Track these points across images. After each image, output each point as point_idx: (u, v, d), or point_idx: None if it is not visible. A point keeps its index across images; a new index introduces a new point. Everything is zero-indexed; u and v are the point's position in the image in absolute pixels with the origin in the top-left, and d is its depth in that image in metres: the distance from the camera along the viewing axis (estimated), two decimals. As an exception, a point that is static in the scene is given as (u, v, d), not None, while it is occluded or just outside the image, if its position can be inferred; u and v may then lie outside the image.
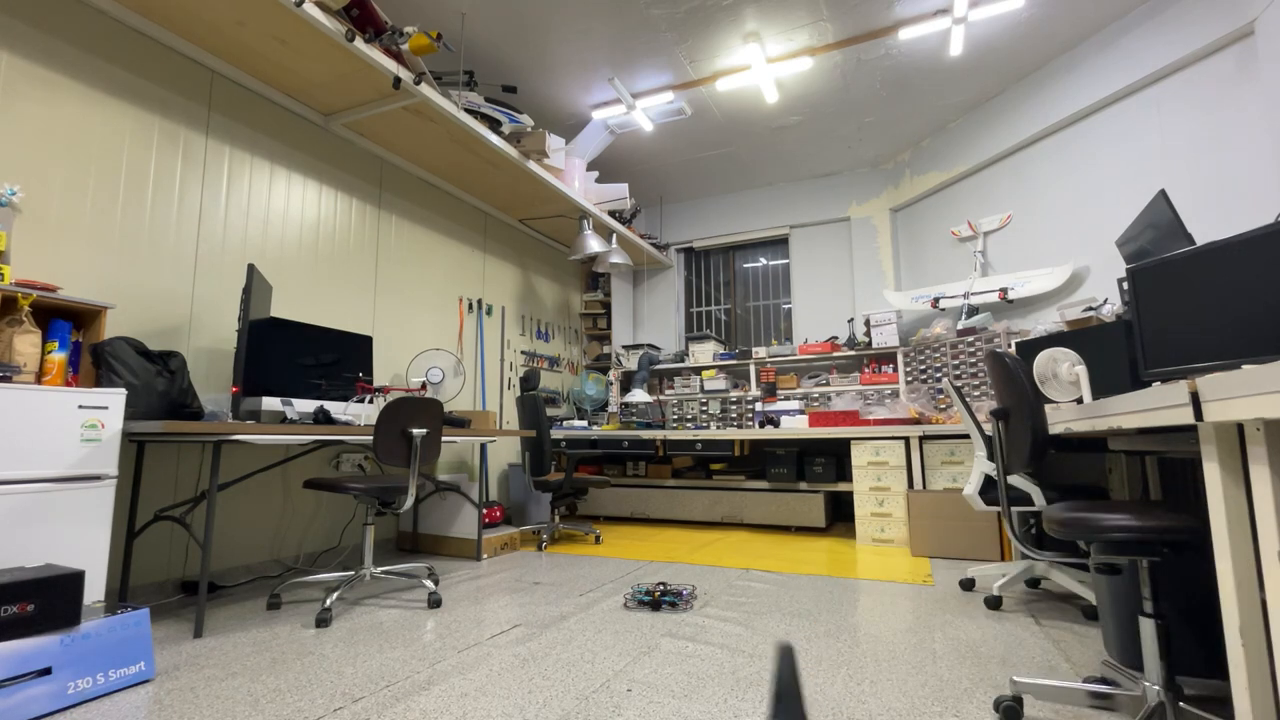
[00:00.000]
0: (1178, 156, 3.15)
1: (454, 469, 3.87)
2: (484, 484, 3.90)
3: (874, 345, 4.61)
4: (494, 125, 3.54)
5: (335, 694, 1.51)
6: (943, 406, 3.94)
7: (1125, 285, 2.23)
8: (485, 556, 3.24)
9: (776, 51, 3.68)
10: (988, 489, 2.48)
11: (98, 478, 1.81)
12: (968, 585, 2.57)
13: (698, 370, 5.29)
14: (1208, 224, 2.98)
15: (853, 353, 4.76)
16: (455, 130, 3.34)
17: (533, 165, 3.83)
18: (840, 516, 4.64)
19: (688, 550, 3.41)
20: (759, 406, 4.71)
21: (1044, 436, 1.72)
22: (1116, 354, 2.12)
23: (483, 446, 3.70)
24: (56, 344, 1.97)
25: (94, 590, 1.74)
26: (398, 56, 2.91)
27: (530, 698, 1.48)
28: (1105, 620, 1.73)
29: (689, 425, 5.04)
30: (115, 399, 1.87)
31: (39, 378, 1.92)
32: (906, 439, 3.60)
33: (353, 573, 2.36)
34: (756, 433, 4.13)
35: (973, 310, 4.22)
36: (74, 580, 1.49)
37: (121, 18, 2.40)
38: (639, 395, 4.96)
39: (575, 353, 5.54)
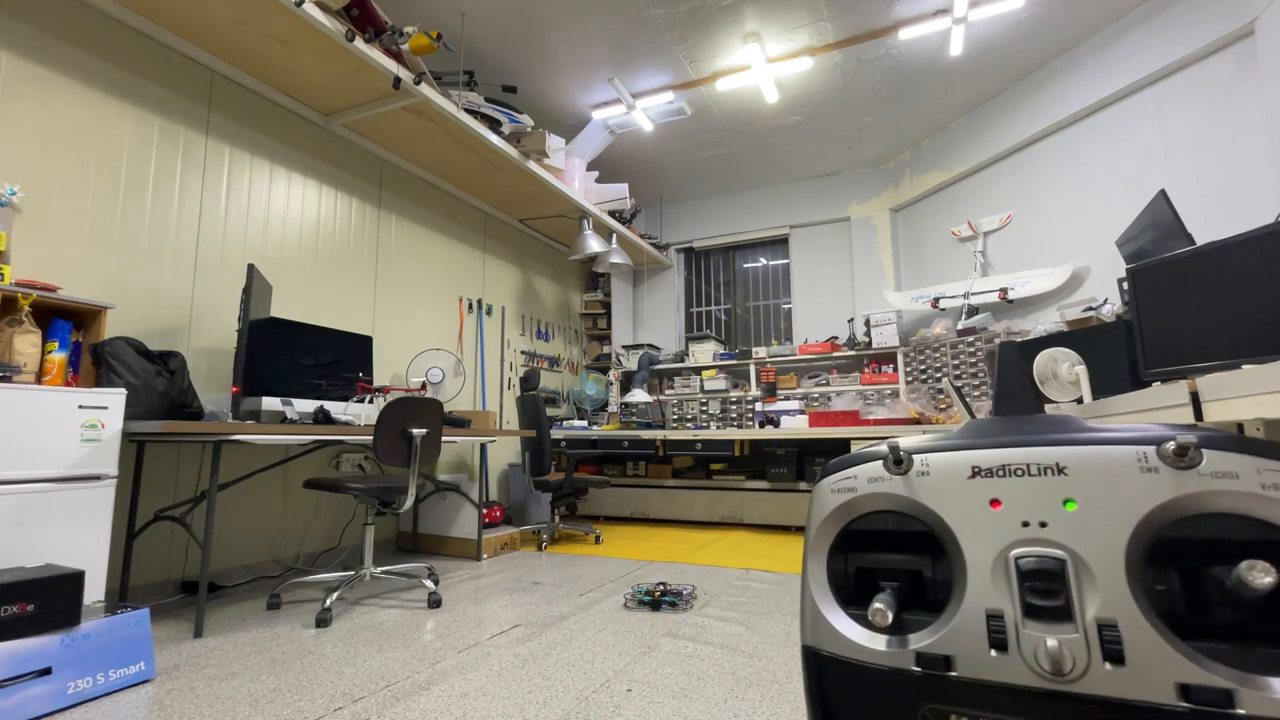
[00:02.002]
0: (1178, 156, 3.15)
1: (454, 469, 3.87)
2: (484, 484, 3.90)
3: (874, 345, 4.61)
4: (494, 125, 3.54)
5: (335, 694, 1.51)
6: (943, 406, 3.94)
7: (1125, 285, 2.23)
8: (485, 556, 3.23)
9: (776, 51, 3.67)
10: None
11: (98, 478, 1.81)
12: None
13: (698, 370, 5.29)
14: (1208, 224, 2.98)
15: (853, 353, 4.76)
16: (455, 130, 3.34)
17: (533, 165, 3.83)
18: (840, 516, 4.65)
19: (688, 550, 3.40)
20: (759, 406, 4.71)
21: (1044, 436, 1.71)
22: (1116, 354, 2.12)
23: (483, 446, 3.70)
24: (56, 344, 1.97)
25: (94, 590, 1.74)
26: (398, 56, 2.91)
27: (530, 698, 1.48)
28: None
29: (689, 425, 5.04)
30: (115, 399, 1.87)
31: (39, 378, 1.92)
32: (906, 439, 3.60)
33: (353, 573, 2.36)
34: (756, 433, 4.13)
35: (973, 310, 4.21)
36: (74, 580, 1.48)
37: (121, 18, 2.40)
38: (639, 395, 4.96)
39: (575, 353, 5.53)
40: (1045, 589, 0.24)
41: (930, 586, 0.26)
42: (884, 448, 0.28)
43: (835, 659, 0.27)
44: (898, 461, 0.27)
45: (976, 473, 0.26)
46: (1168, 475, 0.23)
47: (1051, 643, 0.23)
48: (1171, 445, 0.23)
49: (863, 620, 0.27)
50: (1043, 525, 0.25)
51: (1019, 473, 0.26)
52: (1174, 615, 0.23)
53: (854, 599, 0.28)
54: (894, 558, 0.27)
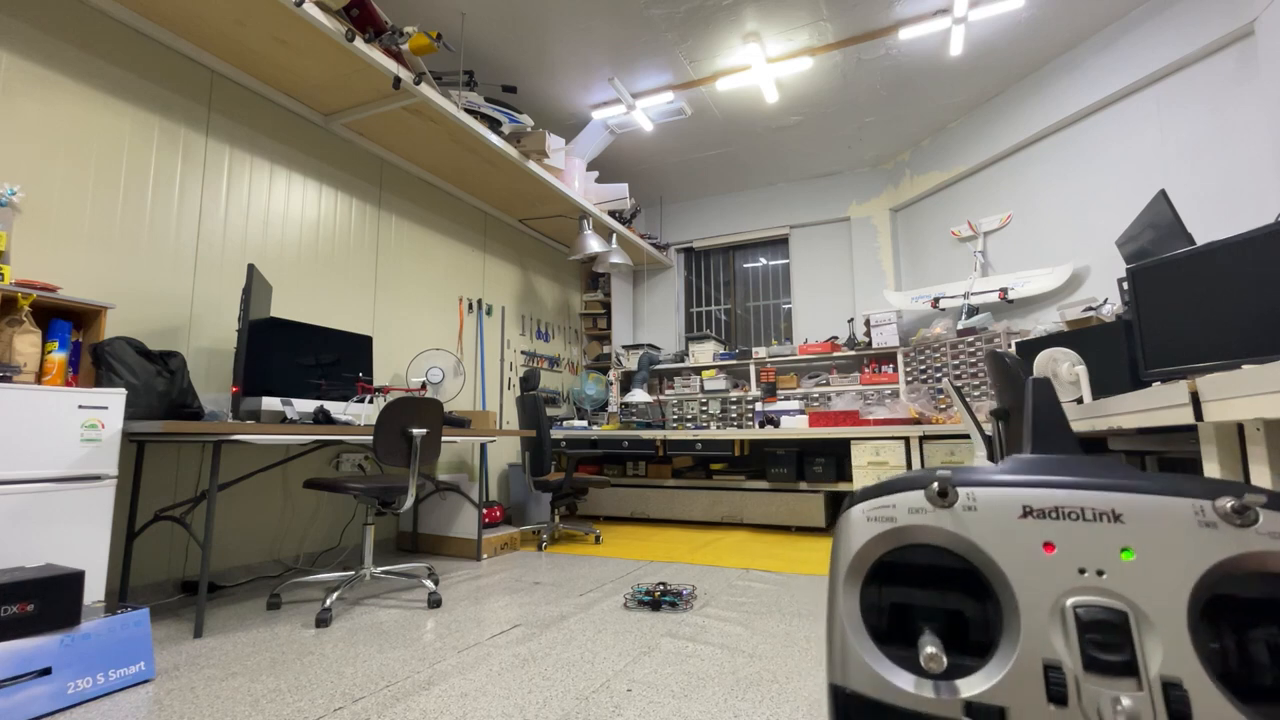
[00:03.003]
0: (1178, 156, 3.15)
1: (454, 469, 3.87)
2: (484, 484, 3.90)
3: (874, 345, 4.61)
4: (494, 125, 3.54)
5: (335, 694, 1.51)
6: (943, 406, 3.94)
7: (1125, 285, 2.23)
8: (485, 556, 3.23)
9: (776, 51, 3.67)
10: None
11: (98, 478, 1.81)
12: (968, 585, 2.56)
13: (698, 370, 5.29)
14: (1208, 224, 2.98)
15: (853, 353, 4.76)
16: (455, 130, 3.34)
17: (533, 165, 3.83)
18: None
19: (688, 550, 3.40)
20: (759, 406, 4.71)
21: (1044, 436, 1.71)
22: (1116, 354, 2.12)
23: (483, 446, 3.70)
24: (56, 344, 1.97)
25: (94, 590, 1.74)
26: (398, 56, 2.91)
27: (530, 698, 1.48)
28: (1105, 620, 1.73)
29: (689, 425, 5.04)
30: (115, 399, 1.87)
31: (39, 378, 1.92)
32: (906, 439, 3.60)
33: (353, 573, 2.36)
34: (756, 433, 4.13)
35: (973, 310, 4.21)
36: (74, 580, 1.49)
37: (121, 18, 2.40)
38: (639, 395, 4.96)
39: (575, 353, 5.53)
40: (1107, 642, 0.23)
41: (973, 629, 0.25)
42: (927, 476, 0.27)
43: (869, 701, 0.26)
44: (943, 494, 0.26)
45: (1028, 512, 0.26)
46: (1227, 531, 0.23)
47: (1128, 702, 0.23)
48: (1230, 503, 0.23)
49: (903, 661, 0.25)
50: (1100, 574, 0.24)
51: (1073, 516, 0.25)
52: (1232, 677, 0.23)
53: (887, 637, 0.27)
54: (938, 596, 0.26)
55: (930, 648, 0.25)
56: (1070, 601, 0.24)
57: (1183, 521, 0.23)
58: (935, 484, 0.26)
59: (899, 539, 0.27)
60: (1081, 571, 0.24)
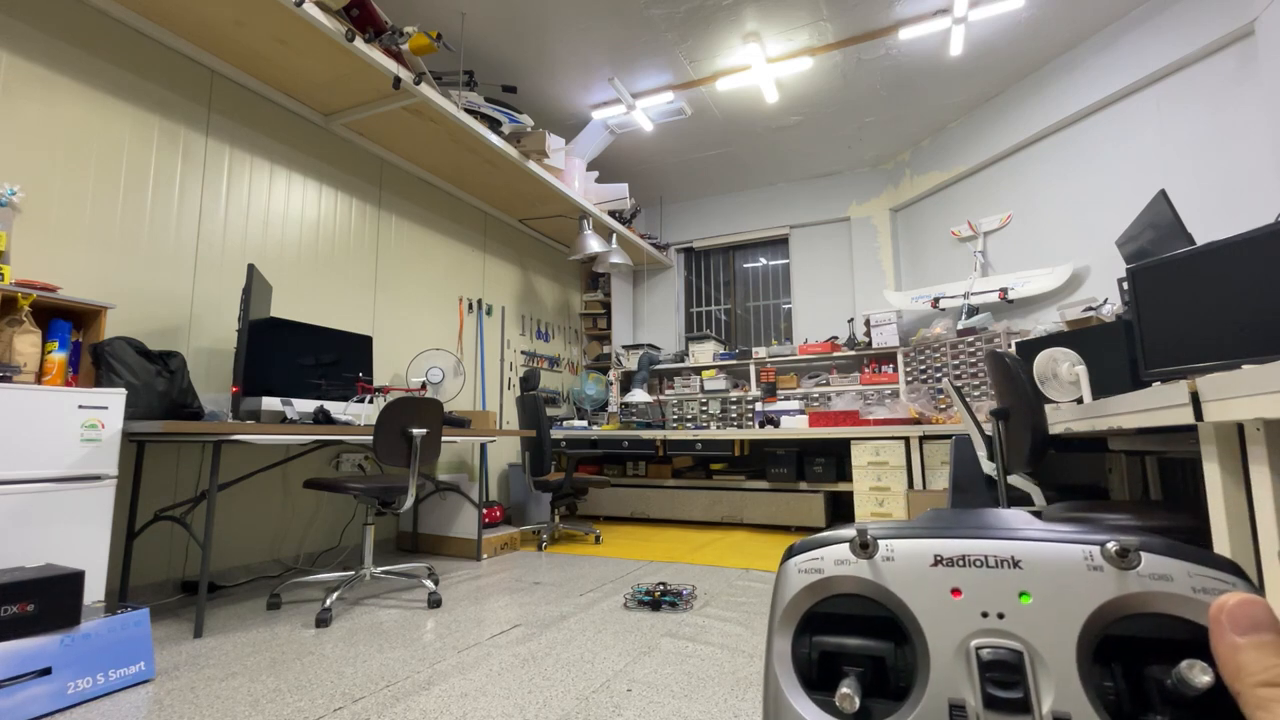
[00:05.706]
0: (1178, 156, 3.15)
1: (454, 469, 3.87)
2: (484, 484, 3.90)
3: (874, 345, 4.61)
4: (494, 125, 3.54)
5: (335, 694, 1.51)
6: (943, 406, 3.94)
7: (1125, 285, 2.23)
8: (485, 556, 3.23)
9: (776, 51, 3.67)
10: (987, 489, 2.47)
11: (98, 478, 1.81)
12: (968, 585, 2.56)
13: (698, 370, 5.29)
14: (1208, 224, 2.98)
15: (853, 353, 4.76)
16: (455, 130, 3.34)
17: (533, 165, 3.83)
18: (840, 516, 4.64)
19: (688, 550, 3.40)
20: (759, 406, 4.71)
21: (1044, 436, 1.72)
22: (1116, 354, 2.12)
23: (483, 446, 3.70)
24: (56, 344, 1.97)
25: (94, 590, 1.74)
26: (398, 56, 2.91)
27: (530, 698, 1.48)
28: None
29: (689, 425, 5.04)
30: (115, 399, 1.87)
31: (39, 378, 1.92)
32: (906, 439, 3.60)
33: (353, 573, 2.36)
34: (756, 433, 4.13)
35: (973, 310, 4.21)
36: (74, 580, 1.48)
37: (121, 18, 2.40)
38: (639, 395, 4.96)
39: (575, 353, 5.53)
40: (1005, 680, 0.25)
41: (893, 675, 0.28)
42: (851, 531, 0.29)
43: None
44: (864, 545, 0.28)
45: (939, 561, 0.28)
46: (1111, 574, 0.25)
47: None
48: (1113, 546, 0.25)
49: (827, 706, 0.27)
50: (1000, 616, 0.26)
51: (978, 563, 0.27)
52: (1119, 711, 0.24)
53: (817, 684, 0.29)
54: (859, 642, 0.28)
55: (845, 689, 0.27)
56: (974, 643, 0.26)
57: (1073, 566, 0.25)
58: (857, 536, 0.28)
59: (826, 589, 0.29)
60: (984, 615, 0.26)
